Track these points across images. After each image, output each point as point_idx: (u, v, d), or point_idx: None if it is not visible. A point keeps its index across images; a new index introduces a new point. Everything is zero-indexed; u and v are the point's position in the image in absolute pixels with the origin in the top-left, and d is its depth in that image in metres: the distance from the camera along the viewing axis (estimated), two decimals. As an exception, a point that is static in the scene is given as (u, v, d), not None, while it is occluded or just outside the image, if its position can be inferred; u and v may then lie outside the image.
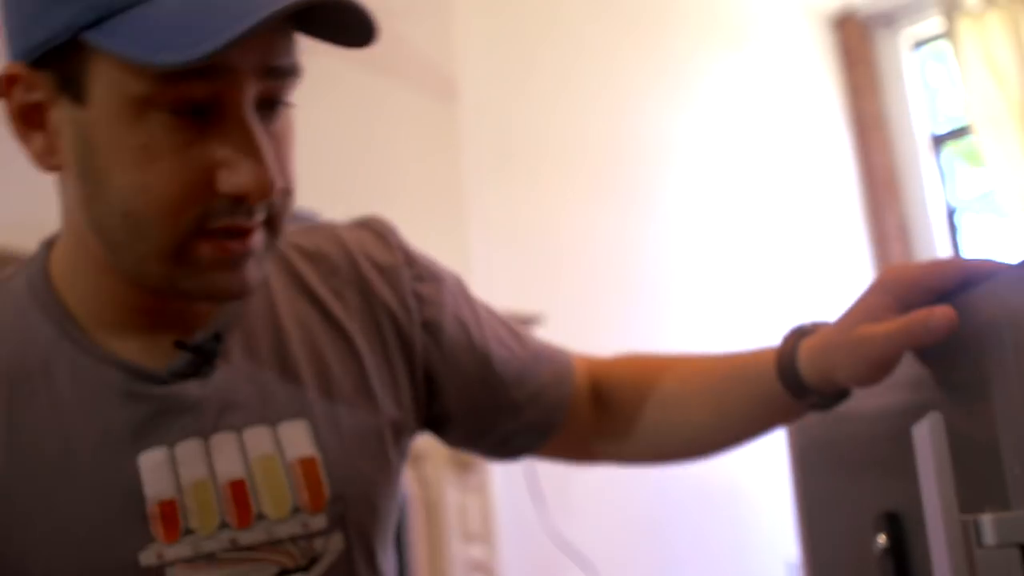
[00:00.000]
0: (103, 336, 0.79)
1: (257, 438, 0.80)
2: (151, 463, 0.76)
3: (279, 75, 0.72)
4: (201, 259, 0.72)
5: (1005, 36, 4.50)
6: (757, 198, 4.20)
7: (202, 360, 0.80)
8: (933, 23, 4.86)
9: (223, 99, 0.70)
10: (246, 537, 0.78)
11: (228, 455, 0.79)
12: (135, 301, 0.78)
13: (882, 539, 0.79)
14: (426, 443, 1.08)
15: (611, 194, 3.56)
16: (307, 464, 0.81)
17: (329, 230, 0.93)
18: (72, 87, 0.70)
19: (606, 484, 3.34)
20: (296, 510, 0.80)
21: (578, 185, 3.47)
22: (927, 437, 0.59)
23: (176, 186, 0.69)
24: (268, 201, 0.73)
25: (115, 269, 0.76)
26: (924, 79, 5.08)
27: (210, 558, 0.77)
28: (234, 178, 0.70)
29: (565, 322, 3.14)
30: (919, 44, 5.09)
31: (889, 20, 5.07)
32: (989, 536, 0.58)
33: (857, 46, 5.08)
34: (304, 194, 2.49)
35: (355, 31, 0.72)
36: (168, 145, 0.69)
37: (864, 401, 0.82)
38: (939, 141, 4.98)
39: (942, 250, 4.82)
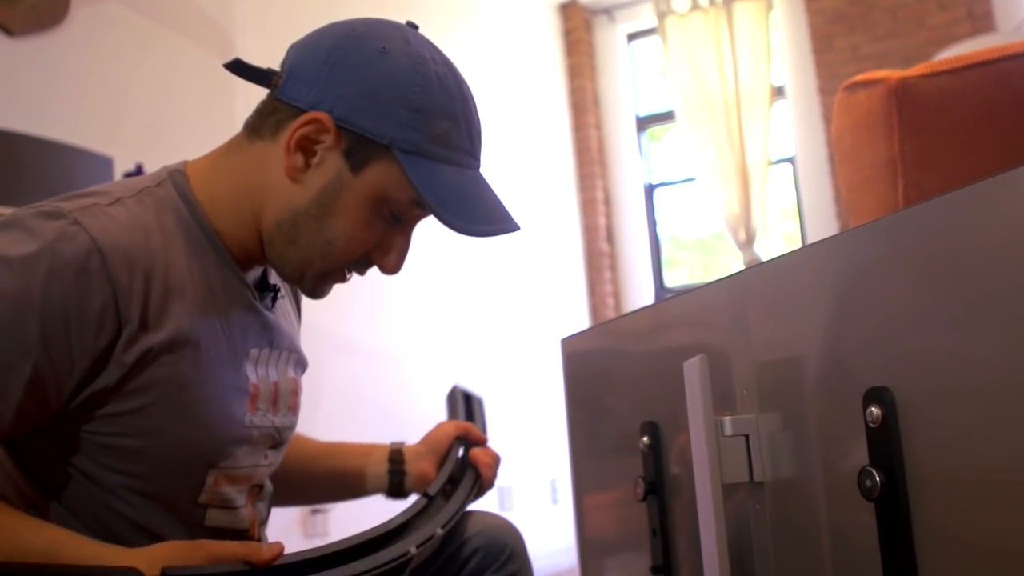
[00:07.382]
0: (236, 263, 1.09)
1: (286, 358, 1.16)
2: (253, 356, 1.09)
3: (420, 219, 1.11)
4: (328, 279, 1.09)
5: (705, 36, 5.12)
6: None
7: (273, 298, 1.14)
8: (647, 19, 5.43)
9: (410, 224, 1.09)
10: (279, 420, 1.13)
11: (280, 365, 1.14)
12: (255, 254, 1.09)
13: (645, 440, 1.11)
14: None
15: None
16: (296, 382, 1.18)
17: None
18: (354, 159, 1.02)
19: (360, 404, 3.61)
20: (288, 409, 1.15)
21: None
22: (696, 369, 0.93)
23: (363, 249, 1.06)
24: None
25: (262, 233, 1.07)
26: (634, 67, 5.65)
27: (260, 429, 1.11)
28: (385, 260, 1.08)
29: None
30: (633, 36, 5.66)
31: (608, 11, 5.59)
32: (728, 429, 0.94)
33: (578, 32, 5.57)
34: (89, 133, 2.55)
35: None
36: (378, 228, 1.06)
37: (634, 344, 1.17)
38: (643, 124, 5.58)
39: (638, 218, 5.41)
